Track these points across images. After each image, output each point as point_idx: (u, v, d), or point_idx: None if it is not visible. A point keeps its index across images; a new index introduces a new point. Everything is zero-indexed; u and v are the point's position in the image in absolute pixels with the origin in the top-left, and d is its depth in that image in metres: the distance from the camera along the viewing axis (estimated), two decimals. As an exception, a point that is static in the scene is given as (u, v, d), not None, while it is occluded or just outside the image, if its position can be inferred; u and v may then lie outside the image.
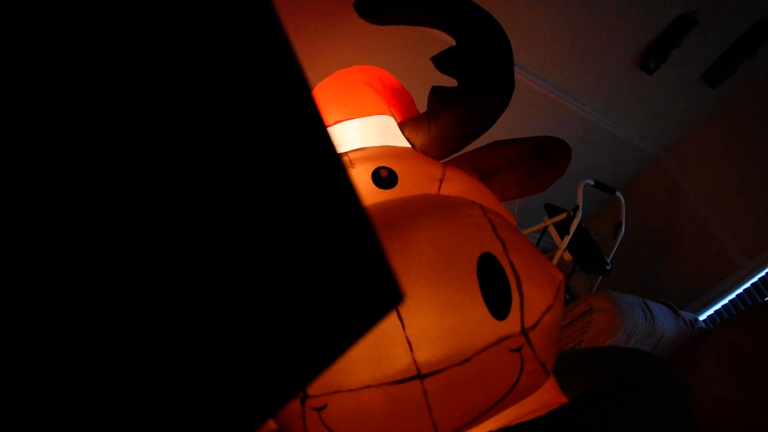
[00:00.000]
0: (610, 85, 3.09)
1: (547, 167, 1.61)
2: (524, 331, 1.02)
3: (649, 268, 3.77)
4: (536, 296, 1.05)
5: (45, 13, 0.29)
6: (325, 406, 1.00)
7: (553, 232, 3.01)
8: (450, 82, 1.68)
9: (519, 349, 1.02)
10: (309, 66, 1.76)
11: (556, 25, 2.66)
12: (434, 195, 1.25)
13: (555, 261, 2.95)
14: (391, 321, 0.97)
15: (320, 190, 0.40)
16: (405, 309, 0.97)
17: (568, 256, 2.93)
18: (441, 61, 1.77)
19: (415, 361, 0.97)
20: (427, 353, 0.97)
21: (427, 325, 0.97)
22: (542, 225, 3.10)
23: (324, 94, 1.71)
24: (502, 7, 2.09)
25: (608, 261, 3.23)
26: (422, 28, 2.03)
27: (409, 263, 1.00)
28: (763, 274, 3.28)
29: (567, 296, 3.38)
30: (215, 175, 0.35)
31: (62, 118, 0.29)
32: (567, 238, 2.89)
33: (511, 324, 1.01)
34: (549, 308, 1.06)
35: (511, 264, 1.03)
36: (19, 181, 0.28)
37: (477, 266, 1.01)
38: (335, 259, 0.41)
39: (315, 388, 0.99)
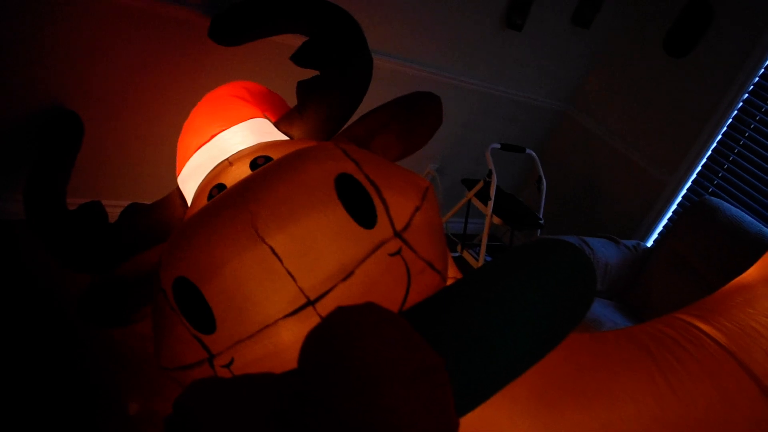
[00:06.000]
0: (487, 52, 3.21)
1: (419, 119, 1.66)
2: (398, 234, 1.08)
3: (586, 211, 3.86)
4: (399, 200, 1.10)
5: None
6: (232, 361, 1.03)
7: (477, 203, 3.08)
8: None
9: (398, 252, 1.07)
10: (201, 78, 1.80)
11: (415, 7, 2.77)
12: (293, 150, 1.30)
13: (486, 227, 3.02)
14: (268, 259, 1.01)
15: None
16: (278, 244, 1.01)
17: (497, 220, 3.00)
18: (299, 58, 1.86)
19: (300, 288, 1.01)
20: (310, 279, 1.01)
21: (302, 252, 1.02)
22: (465, 200, 3.17)
23: (198, 116, 1.77)
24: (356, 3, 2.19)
25: (540, 215, 3.31)
26: (278, 37, 2.12)
27: (275, 205, 1.05)
28: (689, 183, 3.40)
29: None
30: None
31: None
32: (490, 204, 2.96)
33: (382, 230, 1.06)
34: (417, 209, 1.12)
35: (367, 176, 1.09)
36: None
37: (335, 186, 1.06)
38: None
39: (216, 345, 1.02)
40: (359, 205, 1.06)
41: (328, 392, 0.71)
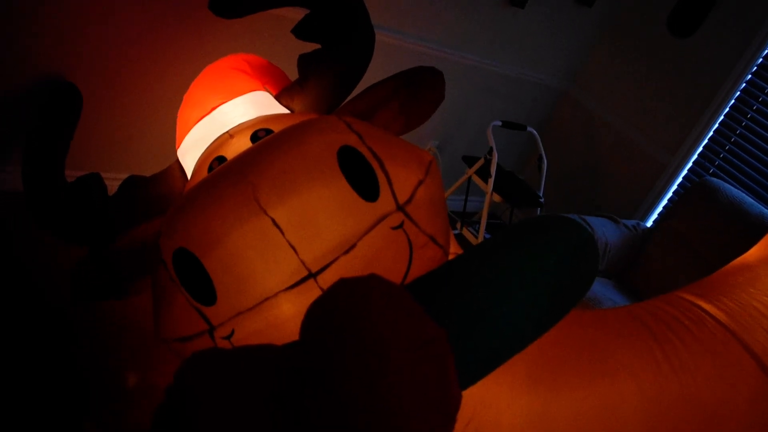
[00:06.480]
0: (489, 29, 3.18)
1: (422, 94, 1.65)
2: (400, 207, 1.07)
3: (585, 191, 3.86)
4: (402, 173, 1.09)
5: None
6: (232, 332, 1.02)
7: (477, 180, 3.07)
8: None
9: (400, 226, 1.06)
10: (201, 50, 1.78)
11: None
12: (295, 123, 1.29)
13: (486, 204, 3.02)
14: (269, 231, 1.00)
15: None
16: (279, 216, 1.01)
17: (497, 198, 3.00)
18: (300, 31, 1.83)
19: (302, 261, 1.00)
20: (311, 251, 1.01)
21: (303, 224, 1.01)
22: (465, 177, 3.17)
23: (198, 88, 1.75)
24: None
25: (540, 194, 3.31)
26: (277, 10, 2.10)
27: (277, 176, 1.04)
28: (690, 164, 3.39)
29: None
30: None
31: None
32: (491, 181, 2.96)
33: (384, 203, 1.06)
34: (420, 182, 1.11)
35: (370, 149, 1.08)
36: None
37: (337, 159, 1.05)
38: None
39: (216, 316, 1.01)
40: (362, 178, 1.05)
41: (329, 365, 0.71)
